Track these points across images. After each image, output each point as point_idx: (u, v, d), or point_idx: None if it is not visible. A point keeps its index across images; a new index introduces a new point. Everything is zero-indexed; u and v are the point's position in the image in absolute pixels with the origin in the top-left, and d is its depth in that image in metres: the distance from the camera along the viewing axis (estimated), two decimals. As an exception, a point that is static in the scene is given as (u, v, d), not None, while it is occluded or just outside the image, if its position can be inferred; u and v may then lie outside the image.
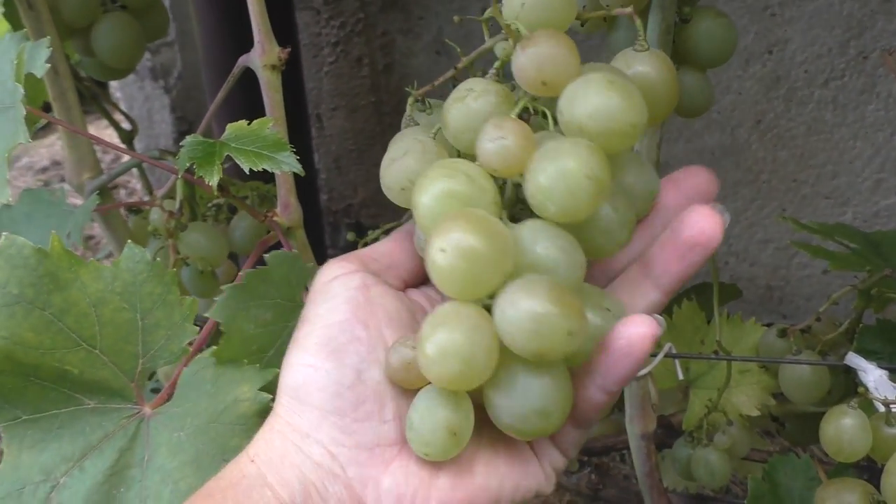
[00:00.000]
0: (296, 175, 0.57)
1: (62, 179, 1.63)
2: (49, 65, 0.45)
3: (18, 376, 0.42)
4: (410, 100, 0.45)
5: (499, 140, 0.36)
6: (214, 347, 0.44)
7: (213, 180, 0.44)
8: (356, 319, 0.38)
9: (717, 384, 0.69)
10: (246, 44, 1.02)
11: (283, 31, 1.05)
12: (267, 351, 0.45)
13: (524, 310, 0.34)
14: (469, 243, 0.34)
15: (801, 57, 1.06)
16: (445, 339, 0.34)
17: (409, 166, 0.41)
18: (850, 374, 0.66)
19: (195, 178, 0.44)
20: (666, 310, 0.73)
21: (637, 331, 0.36)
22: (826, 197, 1.15)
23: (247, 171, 0.45)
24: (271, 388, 0.44)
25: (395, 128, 1.25)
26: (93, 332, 0.44)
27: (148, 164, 0.78)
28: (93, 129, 1.51)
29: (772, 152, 1.14)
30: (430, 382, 0.36)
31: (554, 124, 0.39)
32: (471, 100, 0.39)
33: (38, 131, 1.45)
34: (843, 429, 0.52)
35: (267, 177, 0.61)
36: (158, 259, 0.45)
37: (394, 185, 0.41)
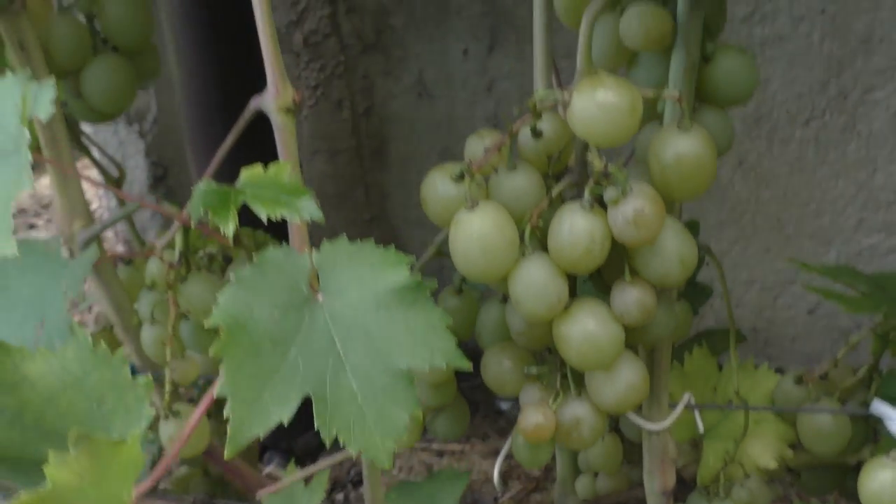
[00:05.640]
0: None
1: (33, 214, 1.59)
2: (54, 107, 0.43)
3: (9, 468, 0.41)
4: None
5: None
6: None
7: (229, 229, 0.42)
8: None
9: (730, 434, 0.67)
10: (230, 85, 0.99)
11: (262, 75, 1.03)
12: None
13: None
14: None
15: (783, 97, 1.07)
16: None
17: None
18: (870, 421, 0.65)
19: (208, 227, 0.42)
20: (677, 356, 0.71)
21: None
22: (810, 236, 1.15)
23: (264, 220, 0.42)
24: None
25: (375, 171, 1.23)
26: (55, 424, 0.43)
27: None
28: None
29: (755, 192, 1.14)
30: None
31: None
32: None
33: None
34: (886, 484, 0.50)
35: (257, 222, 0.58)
36: (102, 342, 0.44)
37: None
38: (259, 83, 0.48)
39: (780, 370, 1.25)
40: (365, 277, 0.43)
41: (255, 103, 0.48)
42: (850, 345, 0.65)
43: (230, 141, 0.49)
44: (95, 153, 0.74)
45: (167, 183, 1.33)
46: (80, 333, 0.44)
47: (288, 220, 0.43)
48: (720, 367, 0.71)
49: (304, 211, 0.43)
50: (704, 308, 0.89)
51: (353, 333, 0.43)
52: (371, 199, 1.22)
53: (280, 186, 0.43)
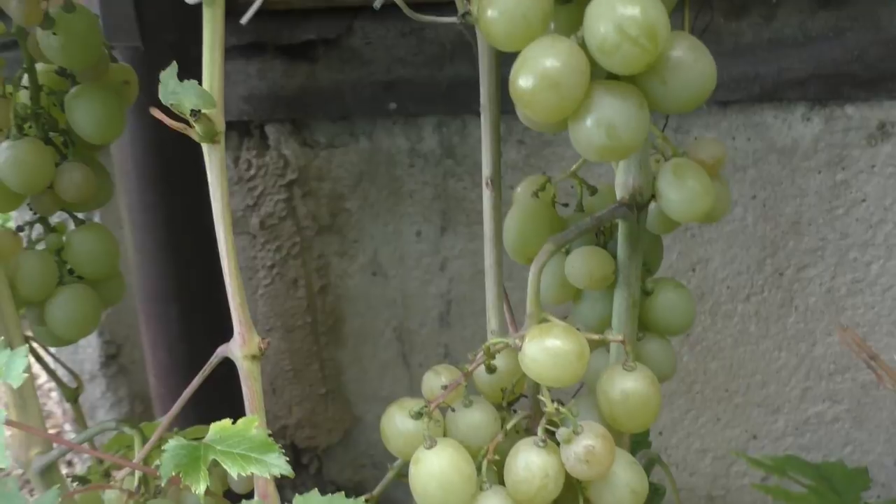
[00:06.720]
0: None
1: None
2: (27, 374, 0.44)
3: None
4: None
5: None
6: None
7: (201, 488, 0.43)
8: None
9: None
10: (183, 269, 1.01)
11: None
12: None
13: None
14: None
15: (723, 274, 1.12)
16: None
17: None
18: None
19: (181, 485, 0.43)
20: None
21: None
22: (758, 405, 1.18)
23: (234, 476, 0.44)
24: None
25: (331, 347, 1.25)
26: None
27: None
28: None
29: (703, 364, 1.18)
30: None
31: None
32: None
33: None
34: None
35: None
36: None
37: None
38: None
39: (737, 537, 1.26)
40: (335, 530, 0.45)
41: (221, 350, 0.49)
42: (800, 550, 0.66)
43: (196, 383, 0.50)
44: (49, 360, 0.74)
45: (119, 361, 1.33)
46: None
47: (255, 475, 0.44)
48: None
49: (274, 467, 0.44)
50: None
51: (323, 587, 0.44)
52: (327, 374, 1.23)
53: (249, 441, 0.45)
